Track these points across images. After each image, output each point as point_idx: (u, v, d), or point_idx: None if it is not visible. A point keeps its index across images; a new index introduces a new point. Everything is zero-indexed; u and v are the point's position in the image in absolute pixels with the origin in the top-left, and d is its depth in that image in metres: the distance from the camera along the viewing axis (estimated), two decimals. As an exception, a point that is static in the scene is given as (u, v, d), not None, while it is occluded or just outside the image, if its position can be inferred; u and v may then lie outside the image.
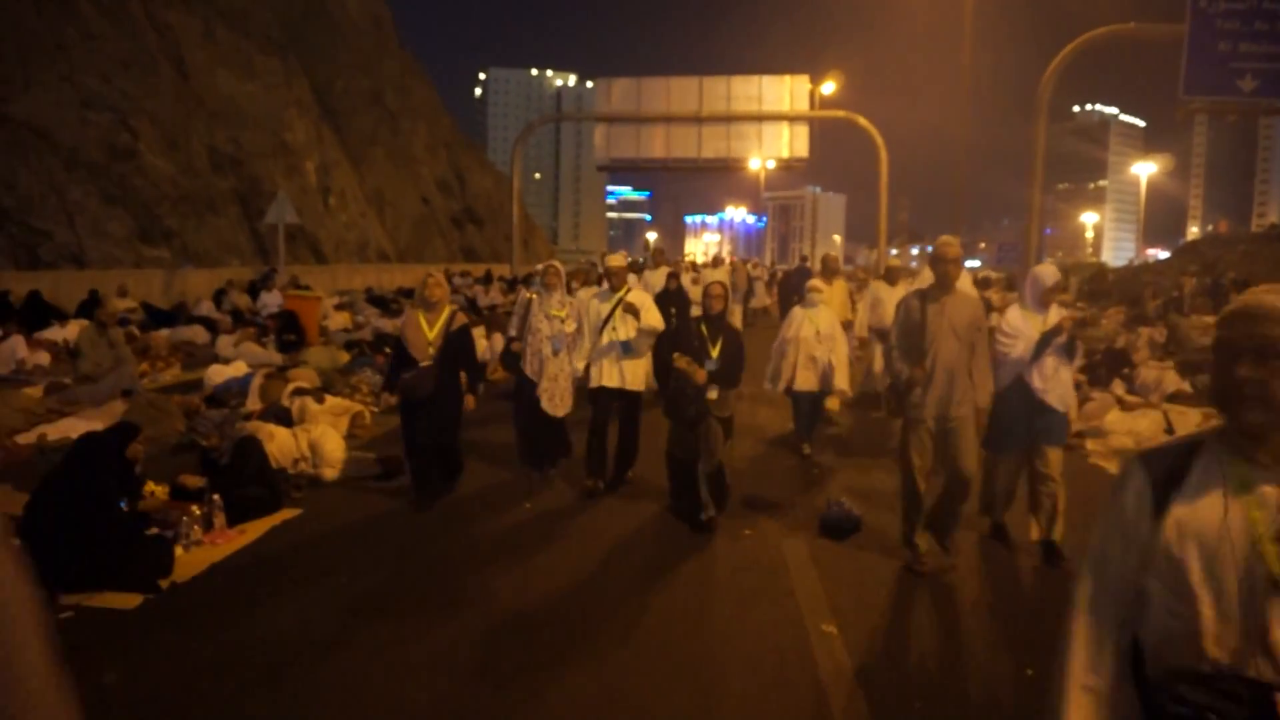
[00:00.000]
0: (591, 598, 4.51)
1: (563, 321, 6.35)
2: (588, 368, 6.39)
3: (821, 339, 7.38)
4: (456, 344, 5.85)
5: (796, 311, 7.59)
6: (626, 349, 6.28)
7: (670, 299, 9.74)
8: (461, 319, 5.94)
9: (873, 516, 5.74)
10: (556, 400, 6.33)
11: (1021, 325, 5.08)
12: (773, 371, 7.67)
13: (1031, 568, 5.06)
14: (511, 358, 6.62)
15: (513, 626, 4.12)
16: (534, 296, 6.56)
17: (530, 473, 6.61)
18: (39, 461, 6.64)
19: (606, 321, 6.35)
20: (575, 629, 4.13)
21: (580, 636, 4.05)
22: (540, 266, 6.76)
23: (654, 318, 6.34)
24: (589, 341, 6.37)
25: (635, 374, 6.42)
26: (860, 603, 4.48)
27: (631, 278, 9.50)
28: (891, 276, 9.52)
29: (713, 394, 5.41)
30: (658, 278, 11.14)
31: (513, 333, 6.75)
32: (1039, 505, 5.11)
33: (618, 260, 6.63)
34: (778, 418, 8.99)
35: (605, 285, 6.74)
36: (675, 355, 5.39)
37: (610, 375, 6.32)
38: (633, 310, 6.19)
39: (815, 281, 7.92)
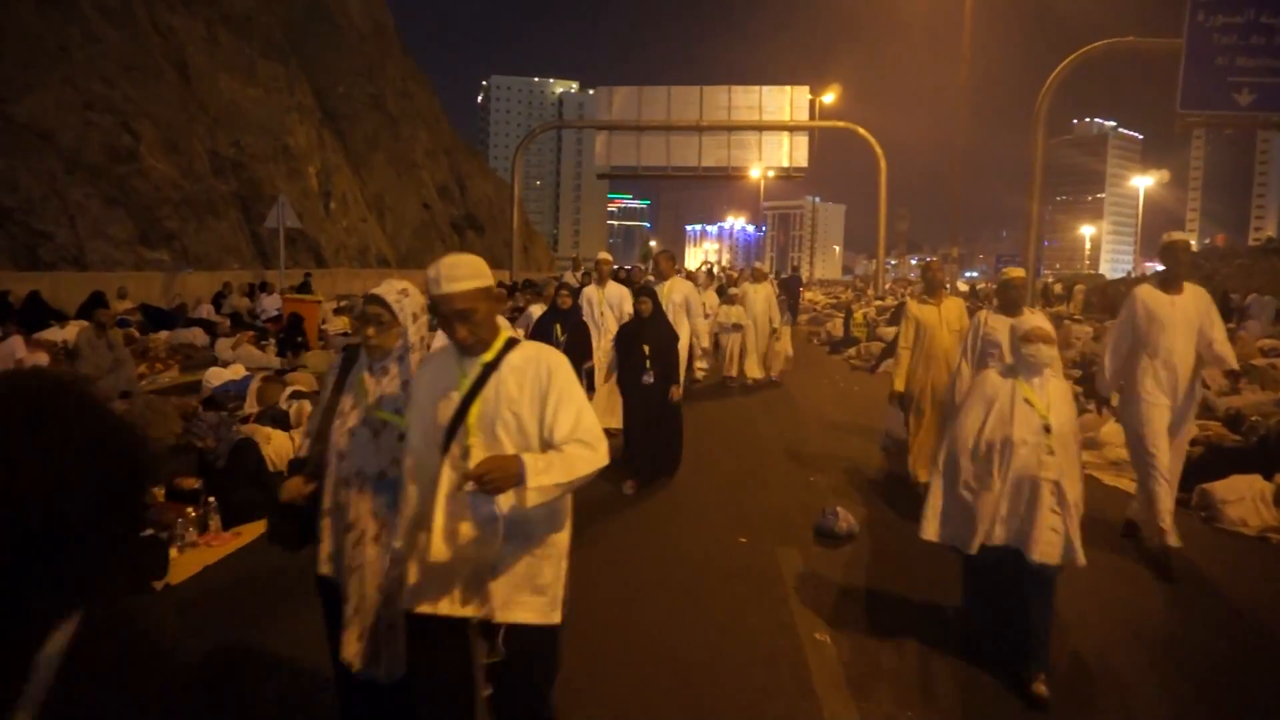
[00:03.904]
0: (583, 605, 4.51)
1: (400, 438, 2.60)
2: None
3: (1058, 440, 3.49)
4: None
5: (992, 380, 3.67)
6: (494, 518, 2.28)
7: (644, 333, 6.05)
8: None
9: (867, 529, 5.75)
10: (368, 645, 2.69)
11: None
12: (950, 507, 3.74)
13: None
14: (289, 520, 2.90)
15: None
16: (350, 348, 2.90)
17: None
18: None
19: (455, 429, 2.30)
20: (566, 636, 4.13)
21: (572, 644, 4.05)
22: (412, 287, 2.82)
23: (578, 460, 2.24)
24: (413, 486, 2.42)
25: (531, 578, 2.46)
26: (854, 611, 4.49)
27: (602, 292, 6.95)
28: (1011, 301, 5.48)
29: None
30: (673, 290, 8.09)
31: (302, 450, 2.93)
32: None
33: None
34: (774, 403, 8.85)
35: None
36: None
37: (455, 586, 2.36)
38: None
39: (1038, 321, 4.18)
